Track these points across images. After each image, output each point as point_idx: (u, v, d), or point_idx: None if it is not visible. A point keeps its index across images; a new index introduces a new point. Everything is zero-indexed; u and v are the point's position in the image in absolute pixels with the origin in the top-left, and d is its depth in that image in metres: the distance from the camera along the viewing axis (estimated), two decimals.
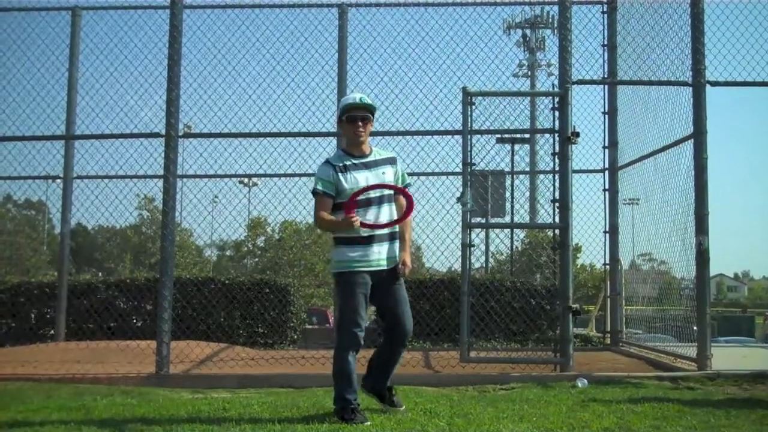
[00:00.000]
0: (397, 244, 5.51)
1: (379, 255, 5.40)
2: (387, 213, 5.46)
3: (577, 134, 8.22)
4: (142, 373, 7.97)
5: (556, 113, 8.34)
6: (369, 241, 5.38)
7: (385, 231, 5.43)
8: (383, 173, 5.50)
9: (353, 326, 5.30)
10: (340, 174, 5.41)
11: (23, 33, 11.39)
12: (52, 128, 11.12)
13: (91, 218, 11.93)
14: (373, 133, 10.00)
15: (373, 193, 5.41)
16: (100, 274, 38.42)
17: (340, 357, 5.32)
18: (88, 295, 12.13)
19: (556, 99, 8.37)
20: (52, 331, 11.49)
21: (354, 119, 5.48)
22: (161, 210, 8.50)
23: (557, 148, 8.33)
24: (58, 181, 11.62)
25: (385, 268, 5.42)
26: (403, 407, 5.61)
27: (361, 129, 5.48)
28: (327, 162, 5.55)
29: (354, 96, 5.59)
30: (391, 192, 5.51)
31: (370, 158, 5.54)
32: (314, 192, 5.48)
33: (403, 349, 5.61)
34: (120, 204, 11.48)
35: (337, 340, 5.42)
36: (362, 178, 5.42)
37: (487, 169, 9.61)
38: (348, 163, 5.46)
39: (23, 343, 10.68)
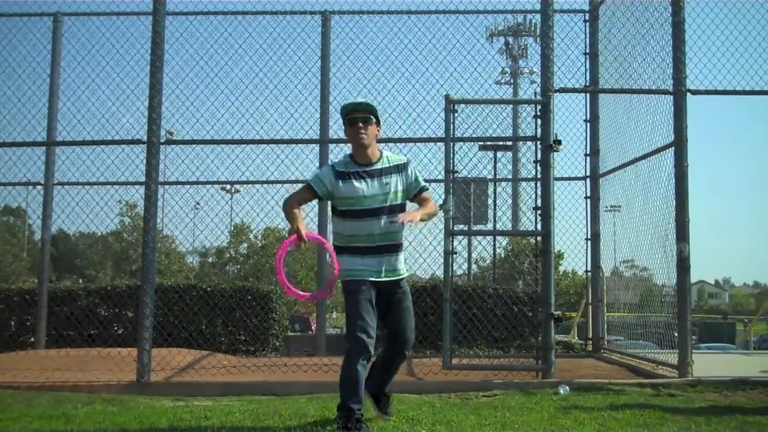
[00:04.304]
0: (396, 257, 5.43)
1: (377, 267, 5.31)
2: (385, 225, 5.31)
3: (559, 142, 8.25)
4: (122, 380, 7.92)
5: (539, 121, 8.38)
6: (364, 252, 5.29)
7: (382, 243, 5.34)
8: (386, 183, 5.34)
9: (360, 332, 5.13)
10: (340, 181, 5.29)
11: (4, 38, 11.38)
12: (33, 134, 11.12)
13: (72, 225, 11.87)
14: None
15: (369, 204, 5.28)
16: (80, 281, 38.08)
17: (348, 365, 5.15)
18: (68, 302, 12.04)
19: (539, 107, 8.40)
20: (33, 339, 11.40)
21: (354, 121, 5.32)
22: (143, 217, 8.46)
23: (539, 156, 8.36)
24: (39, 187, 11.57)
25: (384, 279, 5.33)
26: (393, 418, 5.57)
27: (362, 131, 5.29)
28: (331, 165, 5.45)
29: (353, 100, 5.51)
30: (395, 203, 5.37)
31: (376, 166, 5.36)
32: (305, 182, 5.46)
33: (402, 357, 5.54)
34: (101, 210, 11.42)
35: (347, 348, 5.24)
36: (361, 187, 5.28)
37: (469, 176, 9.63)
38: (351, 170, 5.32)
39: (3, 351, 10.57)
